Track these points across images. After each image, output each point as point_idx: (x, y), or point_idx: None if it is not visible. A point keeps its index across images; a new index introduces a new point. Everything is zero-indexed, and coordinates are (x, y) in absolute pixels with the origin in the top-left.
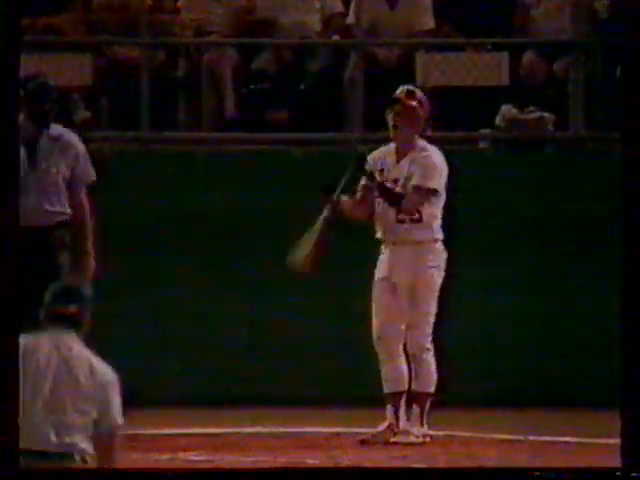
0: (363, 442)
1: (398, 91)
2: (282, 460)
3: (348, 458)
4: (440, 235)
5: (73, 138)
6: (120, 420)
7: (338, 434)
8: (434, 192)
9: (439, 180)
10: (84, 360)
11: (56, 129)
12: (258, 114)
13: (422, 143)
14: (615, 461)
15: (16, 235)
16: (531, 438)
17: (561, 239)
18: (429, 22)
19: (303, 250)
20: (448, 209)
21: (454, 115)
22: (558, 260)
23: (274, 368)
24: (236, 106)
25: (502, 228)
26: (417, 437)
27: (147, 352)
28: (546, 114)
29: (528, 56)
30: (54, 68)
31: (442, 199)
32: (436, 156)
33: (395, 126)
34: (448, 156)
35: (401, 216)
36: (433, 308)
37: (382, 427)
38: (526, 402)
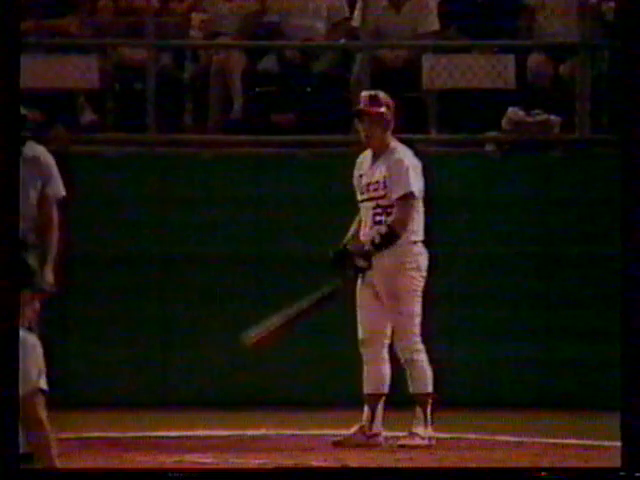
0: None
1: (362, 98)
2: (288, 462)
3: (354, 459)
4: (417, 237)
5: (45, 154)
6: (37, 384)
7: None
8: (412, 195)
9: (414, 183)
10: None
11: (31, 148)
12: (264, 116)
13: (393, 144)
14: (615, 462)
15: (16, 235)
16: (533, 440)
17: (566, 241)
18: (434, 24)
19: (265, 328)
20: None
21: (460, 117)
22: (562, 260)
23: (281, 370)
24: (242, 108)
25: (507, 230)
26: (423, 439)
27: (153, 354)
28: (552, 116)
29: (534, 58)
30: (60, 70)
31: (419, 201)
32: (408, 158)
33: (367, 136)
34: (455, 157)
35: (378, 218)
36: (417, 309)
37: (354, 429)
38: (526, 403)
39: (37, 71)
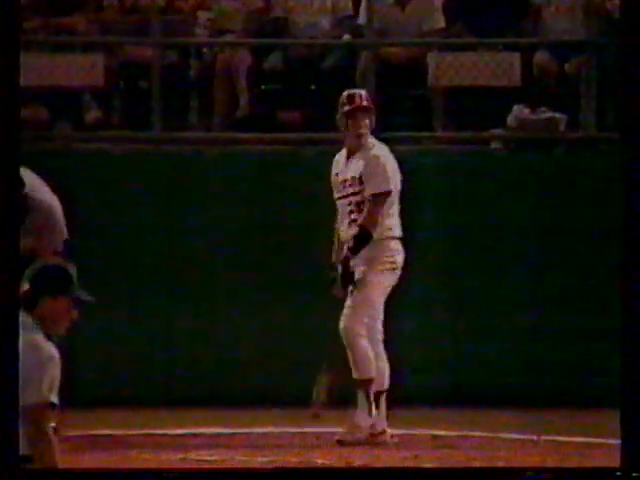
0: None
1: (356, 96)
2: (293, 460)
3: (359, 458)
4: (394, 233)
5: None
6: (46, 396)
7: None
8: (388, 194)
9: (390, 180)
10: (23, 340)
11: None
12: (270, 114)
13: (370, 143)
14: (615, 461)
15: (16, 235)
16: (536, 438)
17: (572, 238)
18: (439, 22)
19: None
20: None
21: (466, 115)
22: (568, 259)
23: (287, 369)
24: (248, 106)
25: (513, 228)
26: (362, 433)
27: (158, 353)
28: (558, 114)
29: (540, 56)
30: (66, 68)
31: (395, 197)
32: (383, 156)
33: (363, 134)
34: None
35: (353, 216)
36: (373, 298)
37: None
38: (525, 402)
39: (43, 69)
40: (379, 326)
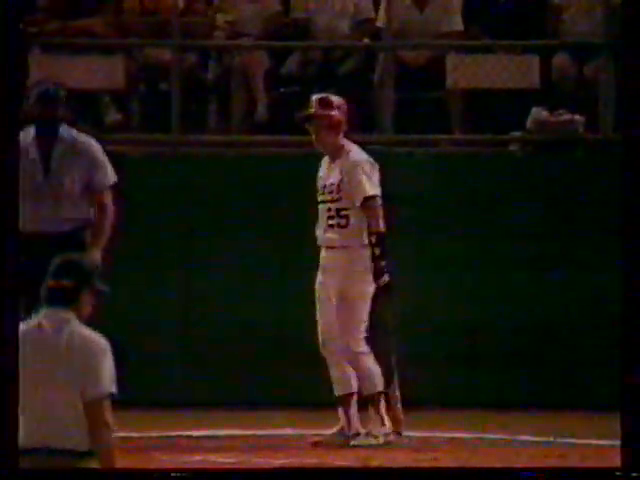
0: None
1: (312, 101)
2: (311, 461)
3: (376, 459)
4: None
5: (88, 142)
6: (108, 387)
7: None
8: (373, 197)
9: (373, 185)
10: (73, 335)
11: (71, 134)
12: (288, 117)
13: (347, 146)
14: (615, 461)
15: (16, 235)
16: (556, 440)
17: (591, 240)
18: (458, 24)
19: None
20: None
21: (485, 117)
22: (590, 260)
23: (304, 370)
24: (266, 109)
25: (531, 230)
26: (377, 437)
27: (177, 355)
28: (577, 116)
29: (559, 58)
30: (85, 71)
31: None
32: (362, 161)
33: (316, 140)
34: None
35: (331, 221)
36: (362, 313)
37: (334, 430)
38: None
39: (62, 71)
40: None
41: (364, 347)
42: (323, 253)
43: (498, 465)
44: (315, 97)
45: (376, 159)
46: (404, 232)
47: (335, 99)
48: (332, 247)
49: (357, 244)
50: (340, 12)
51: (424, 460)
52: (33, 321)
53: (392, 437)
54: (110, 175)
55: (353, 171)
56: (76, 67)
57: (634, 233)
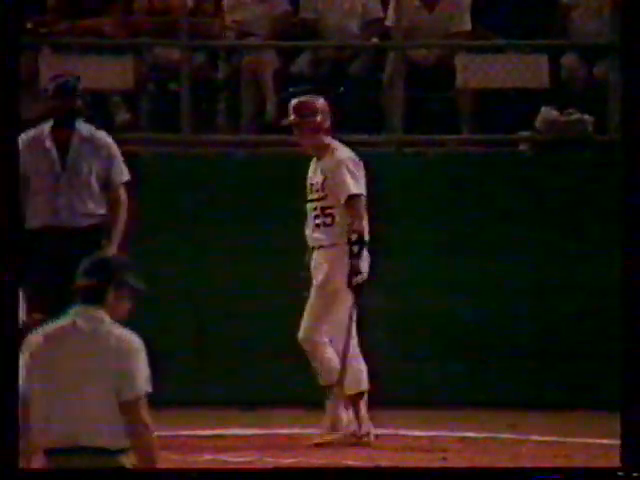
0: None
1: (290, 108)
2: (322, 460)
3: (388, 459)
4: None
5: (105, 137)
6: (144, 387)
7: (379, 435)
8: (356, 196)
9: (357, 183)
10: (108, 335)
11: (88, 129)
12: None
13: (332, 145)
14: (615, 461)
15: (16, 234)
16: (565, 440)
17: (602, 240)
18: (467, 24)
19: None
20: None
21: (494, 117)
22: (600, 259)
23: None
24: (275, 109)
25: (541, 229)
26: (344, 433)
27: (189, 354)
28: (586, 116)
29: (568, 58)
30: (94, 70)
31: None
32: (346, 159)
33: (299, 144)
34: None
35: (317, 220)
36: (333, 307)
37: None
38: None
39: (72, 72)
40: (352, 333)
41: (324, 338)
42: (314, 254)
43: (510, 465)
44: (292, 104)
45: (385, 159)
46: (413, 231)
47: (312, 102)
48: (321, 246)
49: (343, 242)
50: (349, 12)
51: (434, 460)
52: (66, 319)
53: (363, 430)
54: (125, 172)
55: (337, 170)
56: (86, 67)
57: (634, 233)
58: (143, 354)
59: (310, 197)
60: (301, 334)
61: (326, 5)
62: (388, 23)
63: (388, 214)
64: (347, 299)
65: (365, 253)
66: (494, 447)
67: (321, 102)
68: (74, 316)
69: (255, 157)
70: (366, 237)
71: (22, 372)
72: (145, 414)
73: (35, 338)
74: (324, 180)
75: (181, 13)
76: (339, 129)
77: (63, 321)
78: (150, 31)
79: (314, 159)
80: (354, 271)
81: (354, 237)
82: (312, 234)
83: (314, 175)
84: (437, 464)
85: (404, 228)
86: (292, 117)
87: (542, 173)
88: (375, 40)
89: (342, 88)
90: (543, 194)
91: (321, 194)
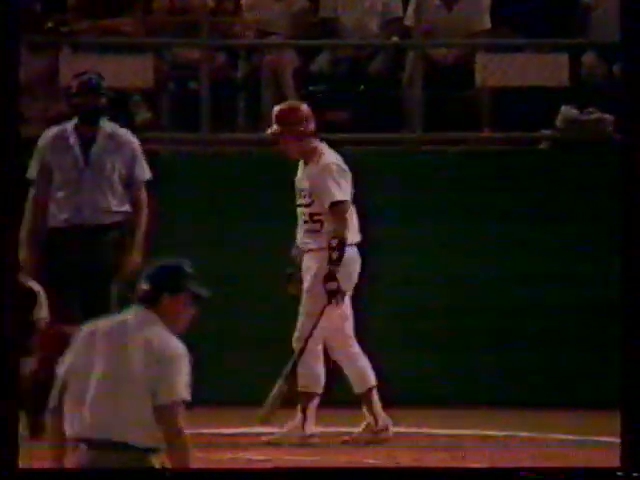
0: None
1: (272, 116)
2: (342, 459)
3: (408, 458)
4: (348, 240)
5: (129, 136)
6: (182, 394)
7: (398, 434)
8: (340, 203)
9: (339, 190)
10: (153, 337)
11: (111, 127)
12: (317, 115)
13: (320, 149)
14: (615, 461)
15: (16, 234)
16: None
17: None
18: (486, 23)
19: (269, 405)
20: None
21: (514, 116)
22: (612, 258)
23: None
24: None
25: (561, 228)
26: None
27: (210, 350)
28: (606, 115)
29: (588, 57)
30: (115, 70)
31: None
32: (332, 164)
33: (283, 152)
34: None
35: (306, 226)
36: (323, 310)
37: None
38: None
39: (92, 71)
40: (349, 333)
41: (314, 342)
42: (304, 257)
43: (528, 464)
44: (274, 111)
45: (405, 158)
46: (432, 229)
47: (296, 110)
48: (310, 250)
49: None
50: (369, 11)
51: (454, 459)
52: (120, 316)
53: (380, 424)
54: (147, 170)
55: (322, 176)
56: (106, 66)
57: (634, 233)
58: (186, 361)
59: (299, 202)
60: (294, 336)
61: (346, 4)
62: (407, 22)
63: (408, 212)
64: (339, 303)
65: (356, 255)
66: (514, 445)
67: (304, 108)
68: (127, 314)
69: (274, 156)
70: (352, 240)
71: (67, 355)
72: (180, 420)
73: (87, 328)
74: (310, 186)
75: (201, 12)
76: (359, 127)
77: (117, 317)
78: (170, 30)
79: (301, 162)
80: (330, 276)
81: (334, 243)
82: (302, 238)
83: (300, 179)
84: (456, 463)
85: (424, 226)
86: (275, 127)
87: (563, 171)
88: (395, 39)
89: (362, 87)
90: (563, 191)
91: (308, 200)
